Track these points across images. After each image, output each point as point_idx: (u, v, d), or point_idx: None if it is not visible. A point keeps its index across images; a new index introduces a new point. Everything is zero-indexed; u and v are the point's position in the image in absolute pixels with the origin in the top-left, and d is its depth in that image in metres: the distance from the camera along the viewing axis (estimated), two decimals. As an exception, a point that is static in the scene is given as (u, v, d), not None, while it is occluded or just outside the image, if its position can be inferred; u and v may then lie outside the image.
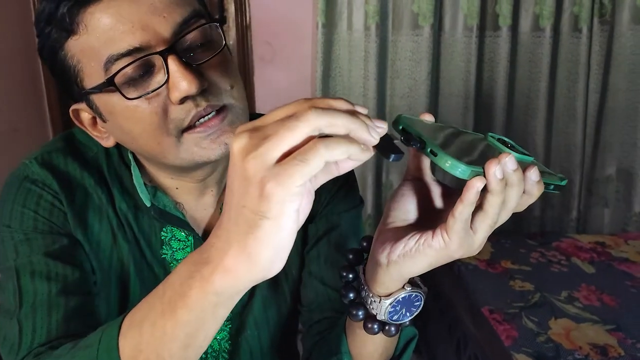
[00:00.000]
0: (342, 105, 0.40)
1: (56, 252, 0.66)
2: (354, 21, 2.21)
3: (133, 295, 0.72)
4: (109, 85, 0.57)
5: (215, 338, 0.76)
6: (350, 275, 0.57)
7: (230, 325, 0.77)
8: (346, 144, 0.38)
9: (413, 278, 0.54)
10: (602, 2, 2.23)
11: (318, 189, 0.77)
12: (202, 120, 0.60)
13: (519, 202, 0.44)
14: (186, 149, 0.61)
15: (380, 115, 2.29)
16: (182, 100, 0.58)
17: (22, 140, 2.39)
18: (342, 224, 0.78)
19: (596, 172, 2.43)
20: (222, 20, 0.65)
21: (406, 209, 0.51)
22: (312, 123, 0.38)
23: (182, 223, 0.72)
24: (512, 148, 0.49)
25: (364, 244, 0.58)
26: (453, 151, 0.42)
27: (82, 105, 0.64)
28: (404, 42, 2.23)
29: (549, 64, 2.26)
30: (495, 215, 0.44)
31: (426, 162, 0.51)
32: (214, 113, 0.60)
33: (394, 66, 2.26)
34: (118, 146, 0.72)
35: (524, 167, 0.45)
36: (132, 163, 0.70)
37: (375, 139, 0.39)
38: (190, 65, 0.58)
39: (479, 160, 0.43)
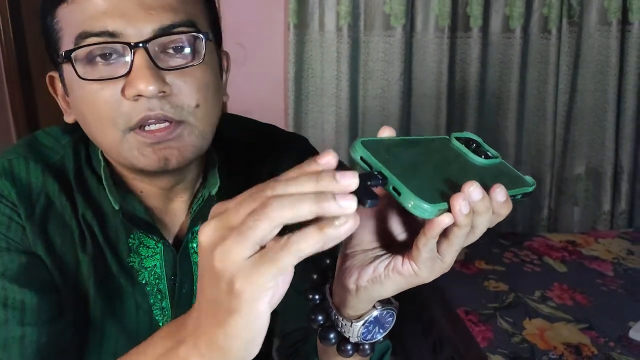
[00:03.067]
0: (306, 183, 0.36)
1: (13, 274, 0.63)
2: (325, 22, 2.19)
3: (93, 315, 0.69)
4: (67, 57, 0.57)
5: None
6: (317, 297, 0.54)
7: None
8: (318, 236, 0.35)
9: None
10: (570, 3, 2.27)
11: None
12: (151, 126, 0.58)
13: (487, 225, 0.42)
14: (128, 149, 0.59)
15: (353, 116, 2.28)
16: (137, 99, 0.56)
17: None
18: None
19: (566, 171, 2.46)
20: (218, 40, 0.63)
21: (368, 232, 0.48)
22: (275, 220, 0.35)
23: (151, 229, 0.68)
24: (477, 147, 0.48)
25: (327, 261, 0.55)
26: (416, 184, 0.39)
27: (57, 74, 0.64)
28: (376, 43, 2.23)
29: (519, 64, 2.28)
30: (461, 242, 0.42)
31: None
32: (166, 124, 0.58)
33: (366, 67, 2.26)
34: (87, 148, 0.70)
35: (491, 175, 0.43)
36: (102, 163, 0.67)
37: (348, 209, 0.35)
38: (156, 66, 0.56)
39: (446, 186, 0.41)
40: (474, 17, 2.22)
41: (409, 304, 1.78)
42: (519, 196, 0.46)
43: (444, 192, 0.40)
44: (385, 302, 0.51)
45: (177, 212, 0.72)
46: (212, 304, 0.38)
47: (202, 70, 0.60)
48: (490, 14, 2.27)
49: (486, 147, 0.50)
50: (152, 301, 0.70)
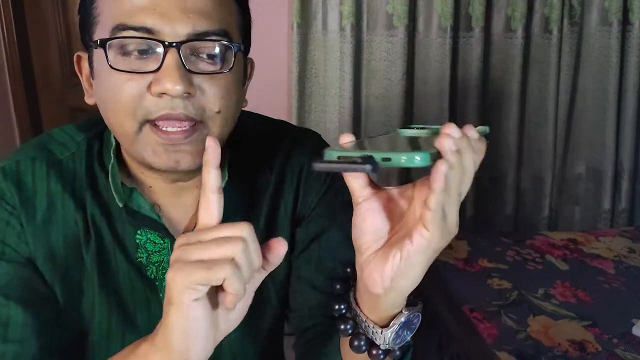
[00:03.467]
0: (252, 257, 0.49)
1: (1, 286, 0.64)
2: (329, 21, 2.20)
3: (98, 312, 0.70)
4: (102, 45, 0.58)
5: None
6: (342, 306, 0.56)
7: None
8: (240, 285, 0.47)
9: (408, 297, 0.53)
10: (571, 4, 2.28)
11: (305, 190, 0.74)
12: (169, 128, 0.59)
13: (474, 165, 0.45)
14: (142, 144, 0.60)
15: (356, 116, 2.29)
16: (161, 96, 0.58)
17: (-13, 143, 2.31)
18: (332, 228, 0.77)
19: (567, 170, 2.48)
20: (247, 49, 0.65)
21: (373, 229, 0.49)
22: (223, 278, 0.47)
23: (156, 225, 0.69)
24: (422, 128, 0.52)
25: (348, 269, 0.57)
26: (392, 149, 0.43)
27: (85, 55, 0.65)
28: (379, 43, 2.24)
29: (520, 64, 2.30)
30: (458, 190, 0.44)
31: (363, 181, 0.50)
32: (185, 127, 0.59)
33: (369, 66, 2.27)
34: (100, 142, 0.71)
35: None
36: (112, 160, 0.68)
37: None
38: (185, 68, 0.57)
39: (421, 144, 0.45)
40: (476, 18, 2.24)
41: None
42: (482, 135, 0.49)
43: (421, 146, 0.44)
44: (410, 306, 0.53)
45: (187, 206, 0.72)
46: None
47: (228, 78, 0.61)
48: (492, 14, 2.28)
49: (429, 125, 0.53)
50: (161, 295, 0.71)
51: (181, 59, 0.57)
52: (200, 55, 0.60)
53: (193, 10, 0.58)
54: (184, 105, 0.58)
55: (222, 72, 0.60)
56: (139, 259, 0.70)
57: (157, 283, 0.71)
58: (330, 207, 0.78)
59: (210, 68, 0.60)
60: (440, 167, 0.41)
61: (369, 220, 0.49)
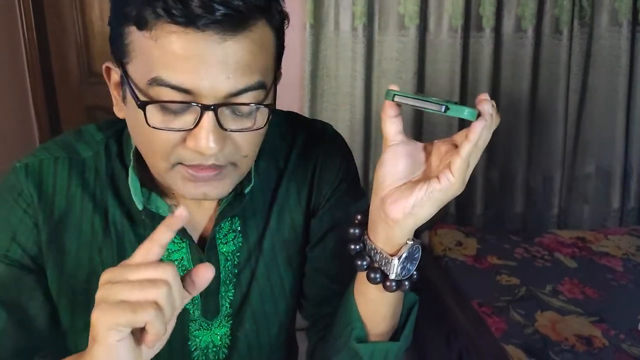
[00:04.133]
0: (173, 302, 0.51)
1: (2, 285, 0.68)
2: (341, 22, 2.24)
3: None
4: (141, 107, 0.57)
5: (216, 334, 0.77)
6: (358, 247, 0.64)
7: (231, 321, 0.77)
8: (162, 326, 0.49)
9: None
10: (581, 4, 2.30)
11: (319, 182, 0.80)
12: (200, 173, 0.61)
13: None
14: (172, 177, 0.62)
15: (367, 115, 2.32)
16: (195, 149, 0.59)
17: (9, 143, 2.36)
18: (346, 219, 0.78)
19: (576, 170, 2.50)
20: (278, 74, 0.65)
21: (398, 170, 0.58)
22: (146, 322, 0.49)
23: None
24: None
25: (359, 217, 0.65)
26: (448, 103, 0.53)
27: (115, 69, 0.63)
28: (390, 43, 2.27)
29: (531, 64, 2.32)
30: (482, 148, 0.54)
31: (398, 127, 0.58)
32: (215, 172, 0.61)
33: (380, 66, 2.30)
34: (120, 145, 0.73)
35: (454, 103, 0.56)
36: (133, 162, 0.69)
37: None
38: (220, 128, 0.58)
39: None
40: (487, 18, 2.26)
41: (421, 296, 1.82)
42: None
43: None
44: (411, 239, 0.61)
45: (207, 208, 0.75)
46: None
47: (260, 131, 0.63)
48: (502, 14, 2.30)
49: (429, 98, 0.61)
50: None
51: (218, 119, 0.57)
52: (236, 112, 0.60)
53: (233, 67, 0.56)
54: (216, 158, 0.60)
55: (254, 129, 0.61)
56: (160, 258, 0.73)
57: None
58: (344, 199, 0.80)
59: (245, 125, 0.60)
60: (480, 123, 0.52)
61: (395, 161, 0.58)
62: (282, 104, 0.86)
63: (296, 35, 2.29)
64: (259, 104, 0.59)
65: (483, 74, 2.31)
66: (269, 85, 0.61)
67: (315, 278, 0.80)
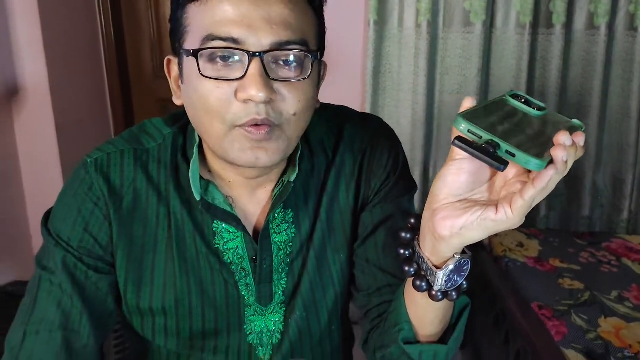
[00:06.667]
0: None
1: (78, 281, 0.72)
2: (405, 18, 2.24)
3: (180, 293, 0.76)
4: (194, 55, 0.63)
5: (270, 320, 0.80)
6: (407, 252, 0.64)
7: (284, 308, 0.81)
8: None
9: None
10: (659, 0, 2.19)
11: (368, 175, 0.82)
12: (254, 131, 0.65)
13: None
14: (230, 141, 0.66)
15: (429, 110, 2.31)
16: (246, 102, 0.63)
17: (86, 129, 2.52)
18: (397, 214, 0.81)
19: (650, 172, 2.39)
20: (322, 53, 0.72)
21: (457, 186, 0.56)
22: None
23: (229, 217, 0.75)
24: (527, 102, 0.57)
25: (412, 220, 0.64)
26: (517, 143, 0.48)
27: (175, 60, 0.71)
28: (455, 39, 2.25)
29: (603, 62, 2.23)
30: (550, 190, 0.50)
31: None
32: (266, 128, 0.65)
33: (444, 63, 2.28)
34: (184, 138, 0.78)
35: (551, 123, 0.54)
36: (195, 155, 0.74)
37: None
38: (267, 75, 0.63)
39: (537, 140, 0.50)
40: (557, 14, 2.19)
41: (480, 296, 1.81)
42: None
43: (538, 146, 0.49)
44: (461, 252, 0.60)
45: (259, 200, 0.79)
46: None
47: (305, 83, 0.67)
48: (574, 10, 2.23)
49: (535, 102, 0.59)
50: (237, 278, 0.78)
51: (264, 67, 0.62)
52: (280, 62, 0.65)
53: (276, 22, 0.63)
54: (267, 111, 0.64)
55: (299, 79, 0.66)
56: (217, 246, 0.77)
57: (233, 267, 0.78)
58: (393, 193, 0.82)
59: (290, 75, 0.65)
60: (549, 172, 0.48)
61: (456, 177, 0.55)
62: (344, 100, 0.88)
63: (359, 31, 2.31)
64: (302, 50, 0.65)
65: (552, 72, 2.25)
66: (311, 47, 0.66)
67: (366, 270, 0.81)
